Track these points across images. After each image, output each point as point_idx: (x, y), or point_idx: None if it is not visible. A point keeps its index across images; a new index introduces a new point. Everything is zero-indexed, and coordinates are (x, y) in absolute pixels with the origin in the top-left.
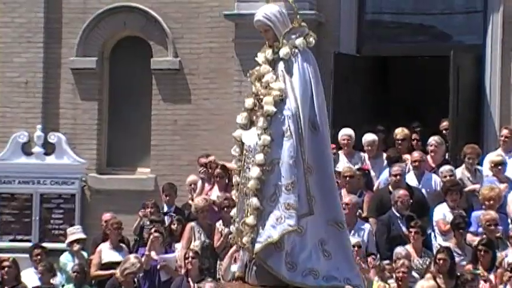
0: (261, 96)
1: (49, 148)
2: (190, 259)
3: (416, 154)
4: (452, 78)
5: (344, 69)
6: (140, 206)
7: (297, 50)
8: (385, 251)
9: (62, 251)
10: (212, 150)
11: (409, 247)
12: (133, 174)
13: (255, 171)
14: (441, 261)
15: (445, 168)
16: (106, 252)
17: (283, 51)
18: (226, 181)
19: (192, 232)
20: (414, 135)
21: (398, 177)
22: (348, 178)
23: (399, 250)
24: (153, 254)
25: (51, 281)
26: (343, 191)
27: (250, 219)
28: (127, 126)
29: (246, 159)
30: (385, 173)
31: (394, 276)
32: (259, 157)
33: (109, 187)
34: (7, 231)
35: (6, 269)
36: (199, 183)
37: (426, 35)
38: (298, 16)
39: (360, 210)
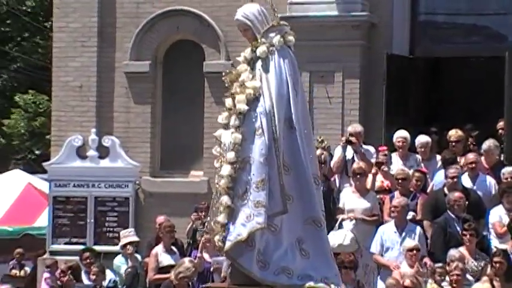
0: (236, 95)
1: (103, 151)
2: None
3: (471, 156)
4: (508, 78)
5: (397, 70)
6: (193, 209)
7: (274, 49)
8: (441, 253)
9: (116, 254)
10: None
11: (463, 249)
12: (187, 177)
13: (225, 169)
14: (498, 264)
15: (508, 169)
16: (161, 256)
17: (260, 49)
18: None
19: None
20: (470, 138)
21: (454, 179)
22: (400, 180)
23: (453, 252)
24: (206, 256)
25: (103, 283)
26: (396, 193)
27: (221, 218)
28: (180, 129)
29: (222, 158)
30: (440, 175)
31: (447, 278)
32: (230, 155)
33: (162, 190)
34: (62, 234)
35: (64, 272)
36: None
37: (480, 35)
38: (276, 15)
39: (413, 213)
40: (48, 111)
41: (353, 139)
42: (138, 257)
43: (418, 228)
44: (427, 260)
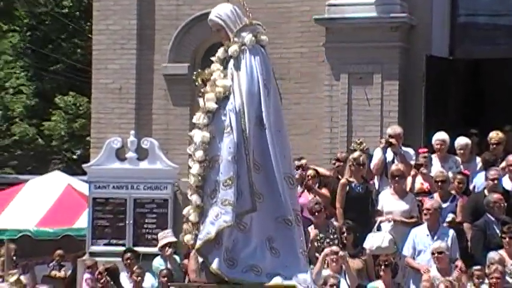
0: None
1: (142, 153)
2: None
3: (511, 158)
4: None
5: (436, 72)
6: None
7: (245, 48)
8: (481, 256)
9: (154, 255)
10: (303, 155)
11: (502, 252)
12: None
13: (194, 168)
14: None
15: None
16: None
17: (231, 48)
18: (317, 185)
19: None
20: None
21: (494, 181)
22: (440, 183)
23: (492, 255)
24: None
25: (143, 285)
26: (436, 196)
27: (192, 217)
28: None
29: (193, 157)
30: (480, 177)
31: (486, 281)
32: (199, 154)
33: None
34: (102, 236)
35: (103, 274)
36: None
37: None
38: (249, 14)
39: (453, 215)
40: (88, 113)
41: (393, 141)
42: (177, 258)
43: (451, 231)
44: (458, 262)
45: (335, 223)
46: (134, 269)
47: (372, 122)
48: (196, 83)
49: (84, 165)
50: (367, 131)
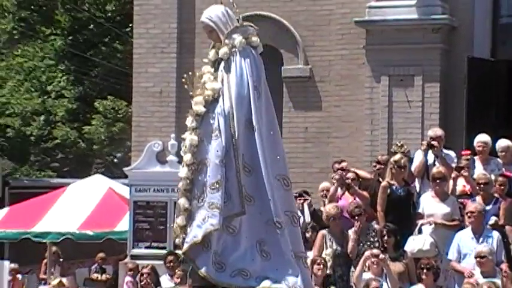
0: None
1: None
2: (316, 266)
3: None
4: None
5: (478, 73)
6: None
7: (235, 50)
8: None
9: None
10: (343, 158)
11: None
12: None
13: (183, 172)
14: None
15: None
16: None
17: (222, 51)
18: (356, 189)
19: (324, 240)
20: None
21: None
22: (482, 185)
23: None
24: None
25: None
26: (478, 198)
27: (180, 220)
28: None
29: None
30: None
31: None
32: (187, 157)
33: None
34: (143, 239)
35: (145, 275)
36: (332, 189)
37: None
38: (240, 16)
39: (496, 218)
40: (126, 117)
41: (434, 143)
42: None
43: (496, 234)
44: (503, 266)
45: (375, 226)
46: (176, 271)
47: (412, 124)
48: (186, 86)
49: (125, 169)
50: (408, 133)
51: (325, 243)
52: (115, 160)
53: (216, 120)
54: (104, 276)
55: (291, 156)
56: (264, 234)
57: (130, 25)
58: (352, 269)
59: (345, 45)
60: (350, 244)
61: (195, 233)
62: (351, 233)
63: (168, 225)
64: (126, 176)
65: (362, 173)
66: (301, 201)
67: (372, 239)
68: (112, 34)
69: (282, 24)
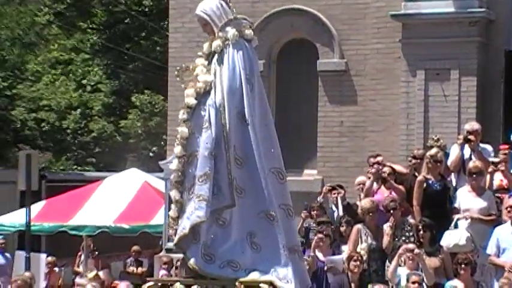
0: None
1: None
2: (353, 262)
3: None
4: None
5: None
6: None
7: (228, 42)
8: None
9: None
10: (379, 152)
11: None
12: (300, 176)
13: (174, 164)
14: None
15: None
16: None
17: (215, 43)
18: (393, 183)
19: (359, 234)
20: None
21: None
22: None
23: None
24: (319, 255)
25: None
26: None
27: (172, 212)
28: (294, 128)
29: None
30: None
31: None
32: (177, 149)
33: None
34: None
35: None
36: (368, 183)
37: None
38: (234, 9)
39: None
40: (163, 111)
41: (471, 137)
42: None
43: None
44: None
45: (411, 220)
46: None
47: (449, 118)
48: (178, 78)
49: (160, 162)
50: (444, 127)
51: (360, 237)
52: (150, 154)
53: (207, 112)
54: (139, 270)
55: (326, 150)
56: (255, 227)
57: (166, 19)
58: (387, 263)
59: (381, 39)
60: (385, 239)
61: (184, 225)
62: (386, 227)
63: None
64: (161, 170)
65: (398, 168)
66: (335, 195)
67: (407, 234)
68: (148, 28)
69: (318, 18)
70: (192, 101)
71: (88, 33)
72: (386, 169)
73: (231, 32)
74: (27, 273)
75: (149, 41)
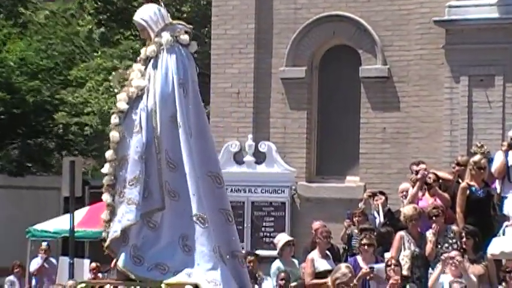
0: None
1: (260, 157)
2: (392, 267)
3: None
4: None
5: None
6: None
7: (163, 47)
8: None
9: (272, 259)
10: (422, 159)
11: None
12: (343, 182)
13: (105, 168)
14: None
15: None
16: (317, 261)
17: (149, 49)
18: (437, 189)
19: (402, 241)
20: None
21: None
22: None
23: None
24: (361, 263)
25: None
26: None
27: (104, 215)
28: (336, 135)
29: None
30: None
31: None
32: (108, 153)
33: (318, 195)
34: None
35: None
36: (414, 190)
37: None
38: (168, 15)
39: None
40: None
41: None
42: (295, 262)
43: None
44: None
45: (454, 228)
46: (257, 272)
47: (493, 124)
48: (112, 84)
49: None
50: (488, 133)
51: (403, 244)
52: None
53: (138, 116)
54: None
55: (368, 157)
56: (187, 229)
57: (206, 26)
58: (430, 270)
59: (424, 45)
60: (428, 246)
61: (116, 228)
62: (429, 234)
63: (245, 225)
64: None
65: (442, 174)
66: (376, 201)
67: (450, 241)
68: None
69: (360, 24)
70: (123, 105)
71: (131, 40)
72: (430, 176)
73: (165, 37)
74: (70, 282)
75: None
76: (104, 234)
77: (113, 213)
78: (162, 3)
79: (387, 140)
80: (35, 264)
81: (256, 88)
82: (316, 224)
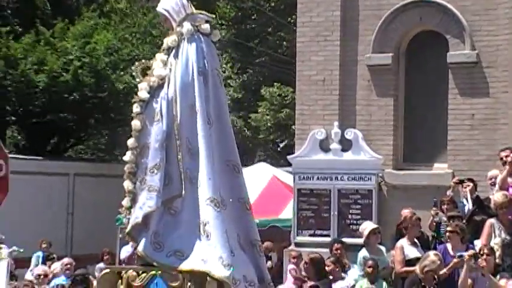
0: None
1: (346, 144)
2: (484, 256)
3: None
4: None
5: None
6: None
7: (184, 37)
8: None
9: (359, 247)
10: (511, 145)
11: None
12: (430, 169)
13: (126, 155)
14: None
15: None
16: (406, 249)
17: (170, 38)
18: None
19: (492, 229)
20: None
21: None
22: None
23: None
24: (450, 250)
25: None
26: None
27: (125, 202)
28: (423, 122)
29: None
30: None
31: None
32: (130, 141)
33: (406, 183)
34: (307, 226)
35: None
36: (503, 175)
37: None
38: (189, 4)
39: None
40: (293, 103)
41: None
42: (383, 249)
43: None
44: None
45: None
46: (343, 260)
47: None
48: (134, 73)
49: (289, 157)
50: None
51: (494, 232)
52: (278, 149)
53: (159, 105)
54: (268, 264)
55: (457, 143)
56: (206, 215)
57: (293, 14)
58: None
59: None
60: None
61: (137, 215)
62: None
63: (331, 213)
64: (290, 164)
65: None
66: (465, 188)
67: None
68: (274, 24)
69: (448, 9)
70: (144, 94)
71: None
72: None
73: (186, 26)
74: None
75: (276, 36)
76: (125, 220)
77: (134, 200)
78: None
79: (476, 126)
80: (125, 252)
81: (342, 75)
82: (406, 212)
